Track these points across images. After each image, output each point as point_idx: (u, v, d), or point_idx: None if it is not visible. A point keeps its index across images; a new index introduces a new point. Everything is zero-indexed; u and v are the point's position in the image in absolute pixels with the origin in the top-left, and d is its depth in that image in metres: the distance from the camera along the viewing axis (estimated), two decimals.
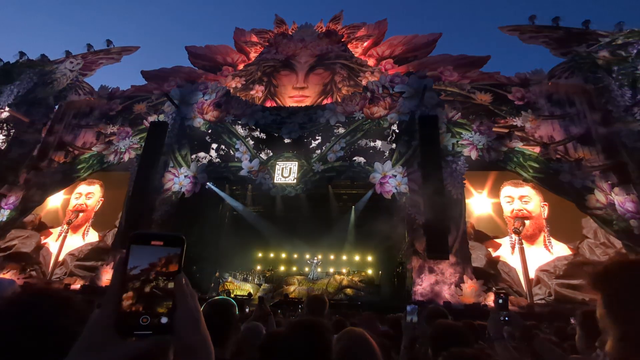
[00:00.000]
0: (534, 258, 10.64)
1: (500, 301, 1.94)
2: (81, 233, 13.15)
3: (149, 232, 0.63)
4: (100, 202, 13.64)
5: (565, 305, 9.51)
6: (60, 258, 12.71)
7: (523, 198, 11.33)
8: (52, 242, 13.14)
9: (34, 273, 12.39)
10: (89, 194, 13.80)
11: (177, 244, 0.62)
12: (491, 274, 10.55)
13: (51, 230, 13.43)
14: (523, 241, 10.82)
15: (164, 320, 0.58)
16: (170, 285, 0.59)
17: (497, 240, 11.13)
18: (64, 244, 12.89)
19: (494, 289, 10.17)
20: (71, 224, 13.13)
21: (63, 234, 13.04)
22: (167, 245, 0.61)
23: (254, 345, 2.25)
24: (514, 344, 1.87)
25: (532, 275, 10.41)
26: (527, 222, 11.04)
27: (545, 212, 11.06)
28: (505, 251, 10.96)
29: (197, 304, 0.62)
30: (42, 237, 13.25)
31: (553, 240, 10.73)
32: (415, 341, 2.61)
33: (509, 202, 11.45)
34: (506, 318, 1.86)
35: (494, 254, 10.94)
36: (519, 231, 10.86)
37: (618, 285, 1.01)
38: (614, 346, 0.98)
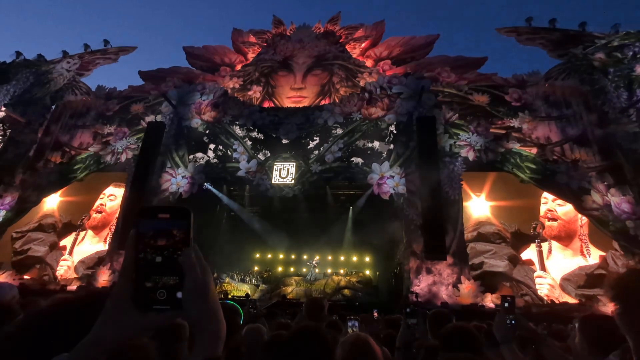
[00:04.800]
0: (568, 265, 10.53)
1: (507, 304, 1.92)
2: (103, 238, 12.89)
3: (155, 205, 0.63)
4: None
5: (563, 307, 9.58)
6: (72, 263, 12.54)
7: (556, 200, 11.25)
8: (70, 247, 12.94)
9: (46, 278, 12.26)
10: (111, 196, 13.49)
11: (184, 216, 0.62)
12: (513, 279, 10.50)
13: (74, 233, 13.23)
14: (551, 243, 10.83)
15: (179, 295, 0.58)
16: (180, 258, 0.60)
17: (533, 245, 10.99)
18: (73, 249, 12.75)
19: (519, 294, 10.09)
20: (82, 226, 13.00)
21: (75, 237, 12.91)
22: (174, 218, 0.61)
23: (254, 346, 2.25)
24: (521, 348, 1.86)
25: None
26: (554, 223, 10.99)
27: (584, 220, 10.82)
28: (536, 254, 10.83)
29: (207, 277, 0.61)
30: (61, 241, 13.08)
31: (592, 248, 10.55)
32: (411, 343, 2.61)
33: (544, 202, 11.40)
34: (513, 321, 1.85)
35: (523, 256, 10.87)
36: (537, 234, 10.87)
37: (630, 297, 1.02)
38: (634, 354, 0.99)
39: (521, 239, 11.15)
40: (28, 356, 0.73)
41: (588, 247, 10.58)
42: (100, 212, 13.25)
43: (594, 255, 10.47)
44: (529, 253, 10.97)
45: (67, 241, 13.11)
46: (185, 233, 0.61)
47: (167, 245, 0.60)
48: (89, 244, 12.94)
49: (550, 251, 10.80)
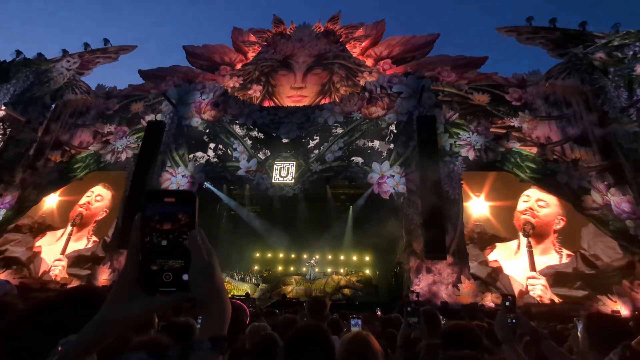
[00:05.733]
0: (544, 263, 10.57)
1: (508, 303, 1.93)
2: (85, 238, 12.88)
3: (161, 189, 0.65)
4: (106, 212, 13.22)
5: (562, 306, 9.59)
6: (67, 263, 12.45)
7: (539, 201, 11.25)
8: (46, 246, 12.85)
9: (22, 279, 12.19)
10: (98, 196, 13.48)
11: (189, 200, 0.63)
12: (483, 280, 10.53)
13: (49, 232, 13.17)
14: (520, 241, 10.86)
15: (185, 277, 0.60)
16: (186, 241, 0.61)
17: (499, 244, 11.03)
18: (66, 248, 12.69)
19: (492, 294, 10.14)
20: (75, 225, 13.00)
21: (66, 236, 12.86)
22: (179, 202, 0.63)
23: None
24: (522, 346, 1.88)
25: (524, 281, 10.43)
26: (532, 218, 11.05)
27: (559, 226, 10.91)
28: (504, 254, 10.86)
29: (212, 259, 0.63)
30: (36, 241, 13.00)
31: (564, 250, 10.62)
32: (413, 342, 2.62)
33: (525, 200, 11.40)
34: (513, 320, 1.86)
35: (490, 258, 10.87)
36: (528, 234, 10.91)
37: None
38: None
39: (486, 240, 11.13)
40: (11, 354, 0.74)
41: (562, 250, 10.60)
42: (85, 209, 13.24)
43: (564, 256, 10.56)
44: (495, 254, 10.96)
45: (42, 242, 13.00)
46: (190, 217, 0.62)
47: (173, 229, 0.61)
48: (73, 243, 12.84)
49: (519, 247, 10.86)
